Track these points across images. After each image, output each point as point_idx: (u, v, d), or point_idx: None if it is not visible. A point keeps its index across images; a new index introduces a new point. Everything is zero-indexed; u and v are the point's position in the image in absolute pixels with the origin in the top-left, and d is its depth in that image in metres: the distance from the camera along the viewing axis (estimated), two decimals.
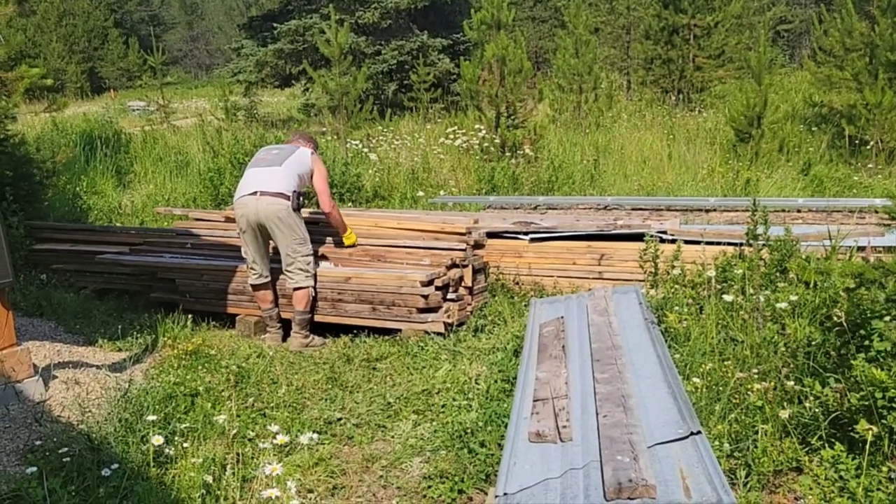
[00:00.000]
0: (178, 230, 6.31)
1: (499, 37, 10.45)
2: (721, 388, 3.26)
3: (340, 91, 10.90)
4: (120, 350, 4.74)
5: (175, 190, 9.80)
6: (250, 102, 19.79)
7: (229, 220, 6.54)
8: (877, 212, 5.97)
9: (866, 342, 2.81)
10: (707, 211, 6.66)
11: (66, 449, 3.06)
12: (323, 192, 5.11)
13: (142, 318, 5.33)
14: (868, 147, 9.69)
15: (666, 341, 3.76)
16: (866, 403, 2.66)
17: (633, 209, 6.92)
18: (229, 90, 17.75)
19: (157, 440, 3.00)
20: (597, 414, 2.91)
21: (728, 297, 3.92)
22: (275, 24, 19.83)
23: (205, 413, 3.58)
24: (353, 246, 5.31)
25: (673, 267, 4.75)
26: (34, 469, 2.86)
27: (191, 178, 10.11)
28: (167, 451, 3.10)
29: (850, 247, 4.66)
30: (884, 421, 2.57)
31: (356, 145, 10.97)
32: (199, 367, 4.28)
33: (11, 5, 7.95)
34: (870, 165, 9.28)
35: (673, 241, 5.20)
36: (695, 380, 3.34)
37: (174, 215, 7.58)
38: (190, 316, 5.12)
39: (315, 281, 5.02)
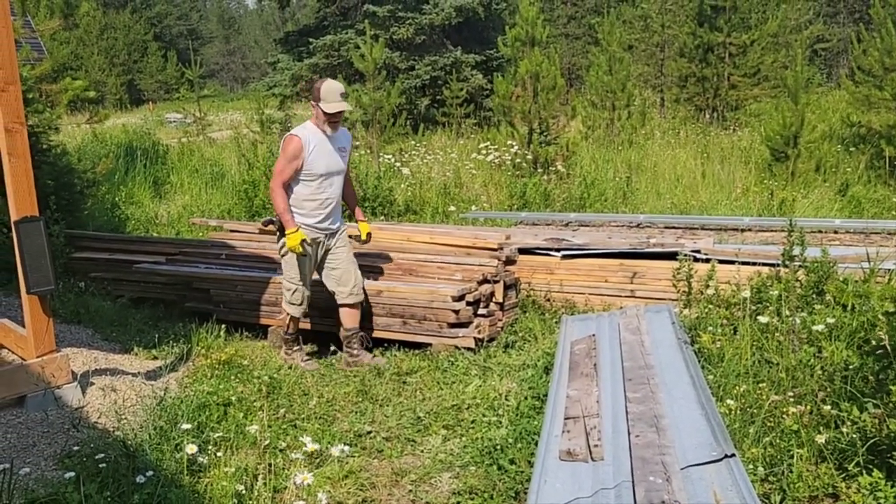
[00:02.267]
0: (213, 241, 6.40)
1: (532, 53, 10.48)
2: (755, 411, 3.22)
3: (374, 105, 11.01)
4: (155, 358, 4.82)
5: (210, 201, 9.96)
6: (285, 116, 20.03)
7: (263, 231, 6.62)
8: None
9: None
10: (742, 230, 6.58)
11: (102, 455, 3.11)
12: (273, 174, 4.64)
13: (176, 327, 5.41)
14: None
15: (699, 362, 3.72)
16: None
17: (665, 227, 6.87)
18: (264, 103, 18.02)
19: (191, 449, 3.05)
20: (629, 434, 2.89)
21: (763, 319, 3.88)
22: (310, 39, 20.10)
23: (237, 423, 3.62)
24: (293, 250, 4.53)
25: (707, 287, 4.71)
26: (71, 474, 2.92)
27: (226, 190, 10.26)
28: (200, 459, 3.14)
29: (889, 270, 4.58)
30: None
31: (389, 159, 11.05)
32: (232, 377, 4.34)
33: (57, 20, 8.18)
34: None
35: (707, 261, 5.15)
36: (728, 401, 3.30)
37: (209, 226, 7.70)
38: (223, 326, 5.18)
39: (295, 307, 4.77)
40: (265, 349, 5.16)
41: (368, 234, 4.92)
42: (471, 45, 20.48)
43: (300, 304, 4.75)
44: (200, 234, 8.13)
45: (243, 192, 9.35)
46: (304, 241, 4.48)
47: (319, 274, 4.82)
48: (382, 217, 8.55)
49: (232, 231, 6.74)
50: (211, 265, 5.93)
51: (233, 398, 3.93)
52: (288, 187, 4.55)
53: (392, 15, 19.67)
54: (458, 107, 16.90)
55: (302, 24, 25.06)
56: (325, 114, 4.44)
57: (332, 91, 4.44)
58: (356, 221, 4.95)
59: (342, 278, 4.70)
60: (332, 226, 4.68)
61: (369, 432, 3.71)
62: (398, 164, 11.01)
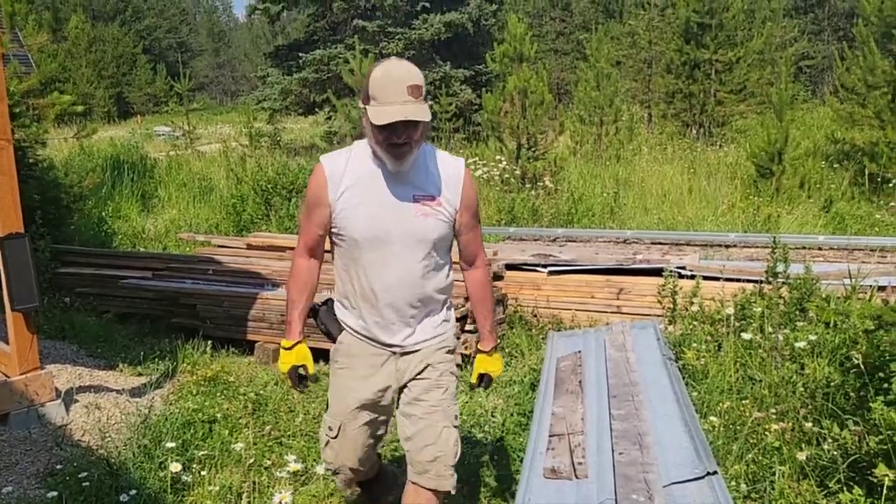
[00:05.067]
0: (201, 256, 6.40)
1: (521, 69, 10.57)
2: (738, 428, 3.25)
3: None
4: (140, 375, 4.80)
5: (198, 216, 9.94)
6: (274, 129, 20.08)
7: (251, 247, 6.63)
8: None
9: (885, 385, 2.79)
10: (727, 246, 6.64)
11: (85, 473, 3.10)
12: None
13: (162, 343, 5.39)
14: (890, 185, 9.62)
15: (683, 378, 3.74)
16: (885, 447, 2.63)
17: (652, 243, 6.92)
18: (253, 117, 18.06)
19: (175, 467, 3.04)
20: (612, 451, 2.90)
21: (747, 335, 3.91)
22: (300, 54, 20.18)
23: (222, 440, 3.61)
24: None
25: (691, 303, 4.75)
26: (54, 493, 2.90)
27: (214, 204, 10.25)
28: (184, 478, 3.13)
29: (870, 286, 4.63)
30: None
31: None
32: (218, 394, 4.32)
33: (45, 34, 8.19)
34: (892, 204, 9.21)
35: (692, 277, 5.19)
36: (712, 418, 3.33)
37: (197, 241, 7.69)
38: (209, 342, 5.17)
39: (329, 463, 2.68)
40: (252, 365, 5.15)
41: (484, 378, 2.74)
42: (460, 60, 20.62)
43: (335, 470, 2.67)
44: (188, 248, 8.12)
45: (231, 206, 9.34)
46: (297, 368, 2.51)
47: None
48: None
49: (219, 246, 6.74)
50: (198, 281, 5.93)
51: (218, 415, 3.92)
52: (317, 251, 2.53)
53: (381, 30, 19.80)
54: (447, 121, 16.98)
55: (292, 39, 25.16)
56: (374, 127, 2.26)
57: (388, 82, 2.22)
58: (476, 350, 2.77)
59: (417, 439, 2.47)
60: (395, 339, 2.47)
61: None
62: None
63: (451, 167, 2.45)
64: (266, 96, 20.74)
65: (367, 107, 2.28)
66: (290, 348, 2.50)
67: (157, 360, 4.98)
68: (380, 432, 2.62)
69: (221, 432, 3.73)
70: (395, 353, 2.47)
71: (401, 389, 2.52)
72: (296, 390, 2.59)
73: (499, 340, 2.72)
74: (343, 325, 2.52)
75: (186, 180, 11.88)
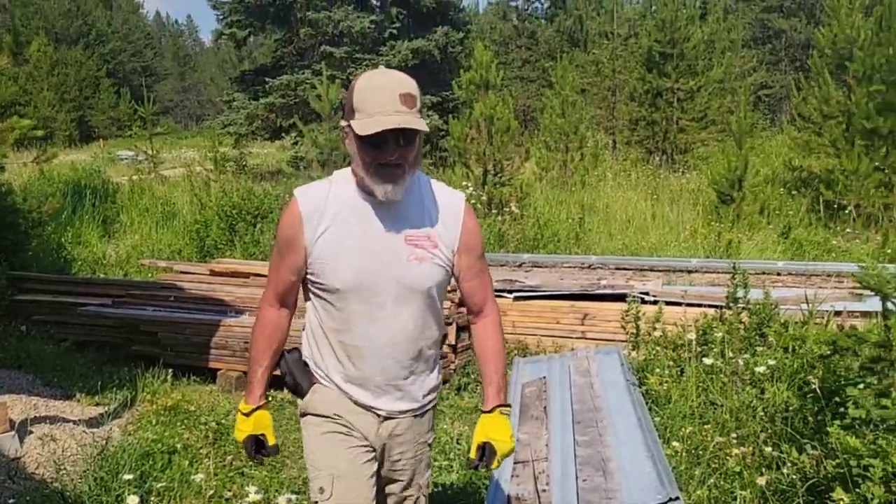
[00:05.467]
0: (162, 283, 6.31)
1: (487, 96, 10.68)
2: (701, 453, 3.27)
3: (330, 145, 11.04)
4: (98, 405, 4.69)
5: (161, 241, 9.80)
6: (240, 154, 19.96)
7: (214, 273, 6.55)
8: (853, 276, 6.07)
9: (841, 409, 2.85)
10: (689, 272, 6.73)
11: None
12: None
13: (122, 371, 5.28)
14: (846, 212, 9.88)
15: (647, 403, 3.77)
16: (842, 471, 2.68)
17: (616, 269, 6.98)
18: (219, 141, 17.93)
19: (133, 500, 2.96)
20: (576, 477, 2.91)
21: (708, 360, 3.96)
22: (266, 79, 20.14)
23: (182, 471, 3.54)
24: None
25: (654, 329, 4.79)
26: None
27: (177, 230, 10.12)
28: None
29: (827, 311, 4.73)
30: (858, 490, 2.59)
31: None
32: (178, 424, 4.24)
33: (5, 57, 8.07)
34: (847, 230, 9.45)
35: (655, 303, 5.25)
36: (675, 443, 3.35)
37: (159, 267, 7.58)
38: (170, 370, 5.08)
39: None
40: (213, 394, 5.07)
41: (486, 450, 2.09)
42: (427, 86, 20.75)
43: None
44: (150, 275, 8.00)
45: (195, 231, 9.24)
46: (255, 437, 2.14)
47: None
48: None
49: (182, 272, 6.65)
50: (159, 308, 5.83)
51: (178, 445, 3.85)
52: (288, 300, 2.14)
53: (349, 56, 19.87)
54: None
55: (258, 64, 25.10)
56: (360, 145, 1.91)
57: (377, 90, 1.89)
58: (480, 411, 2.17)
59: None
60: (379, 403, 2.09)
61: None
62: None
63: (448, 201, 2.06)
64: (232, 121, 20.63)
65: (350, 122, 1.89)
66: (248, 414, 2.10)
67: (115, 389, 4.87)
68: (374, 469, 2.13)
69: (181, 463, 3.66)
70: (378, 415, 2.08)
71: (385, 457, 2.14)
72: (252, 461, 2.21)
73: (508, 401, 2.22)
74: (317, 377, 2.10)
75: (149, 205, 11.72)
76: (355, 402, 2.07)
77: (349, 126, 1.90)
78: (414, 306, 2.02)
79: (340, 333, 2.03)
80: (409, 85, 1.90)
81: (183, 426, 4.20)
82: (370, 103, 1.86)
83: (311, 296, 2.09)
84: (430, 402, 2.17)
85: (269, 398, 2.22)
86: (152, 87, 41.72)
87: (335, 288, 1.98)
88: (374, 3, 21.57)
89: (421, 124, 1.86)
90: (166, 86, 59.99)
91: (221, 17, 21.53)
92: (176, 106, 61.06)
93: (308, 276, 2.04)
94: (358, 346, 2.02)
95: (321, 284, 2.00)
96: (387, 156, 1.87)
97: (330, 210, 1.98)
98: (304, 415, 2.14)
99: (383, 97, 1.86)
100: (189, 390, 5.03)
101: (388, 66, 21.07)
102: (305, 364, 2.14)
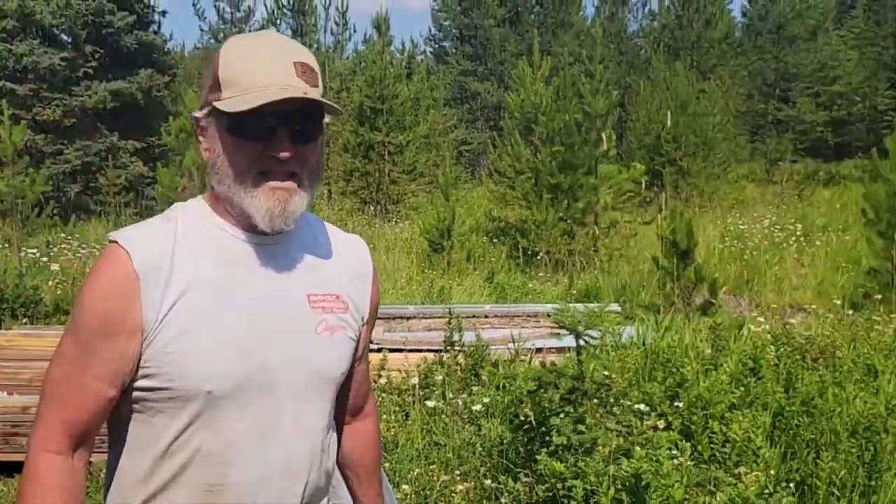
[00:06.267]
0: None
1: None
2: (429, 493, 3.41)
3: (14, 194, 9.84)
4: None
5: None
6: None
7: None
8: (548, 316, 6.82)
9: (547, 438, 3.17)
10: (407, 318, 7.04)
11: None
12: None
13: None
14: (538, 258, 11.08)
15: None
16: (550, 493, 2.97)
17: None
18: None
19: None
20: None
21: (431, 403, 4.17)
22: None
23: None
24: None
25: (380, 376, 4.93)
26: None
27: None
28: None
29: (530, 349, 5.24)
30: None
31: (34, 254, 9.86)
32: None
33: None
34: (541, 274, 10.60)
35: (378, 350, 5.40)
36: (404, 486, 3.46)
37: None
38: None
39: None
40: None
41: None
42: (131, 131, 19.47)
43: None
44: None
45: None
46: None
47: None
48: (26, 320, 7.56)
49: None
50: None
51: None
52: (87, 438, 1.22)
53: (35, 94, 18.01)
54: (115, 195, 15.80)
55: None
56: (231, 138, 1.21)
57: (261, 56, 1.19)
58: None
59: None
60: None
61: None
62: (45, 258, 9.87)
63: (353, 249, 1.47)
64: None
65: (214, 104, 1.20)
66: None
67: None
68: None
69: None
70: None
71: None
72: None
73: None
74: None
75: None
76: None
77: (210, 112, 1.22)
78: (320, 406, 1.31)
79: (201, 469, 1.21)
80: (308, 55, 1.24)
81: None
82: (249, 74, 1.18)
83: (130, 422, 1.23)
84: None
85: None
86: None
87: (197, 392, 1.18)
88: (65, 39, 19.85)
89: (333, 106, 1.22)
90: None
91: None
92: None
93: (139, 384, 1.20)
94: (233, 483, 1.22)
95: (169, 392, 1.19)
96: (275, 150, 1.18)
97: (182, 264, 1.19)
98: None
99: (270, 66, 1.18)
100: None
101: (83, 107, 19.44)
102: None
